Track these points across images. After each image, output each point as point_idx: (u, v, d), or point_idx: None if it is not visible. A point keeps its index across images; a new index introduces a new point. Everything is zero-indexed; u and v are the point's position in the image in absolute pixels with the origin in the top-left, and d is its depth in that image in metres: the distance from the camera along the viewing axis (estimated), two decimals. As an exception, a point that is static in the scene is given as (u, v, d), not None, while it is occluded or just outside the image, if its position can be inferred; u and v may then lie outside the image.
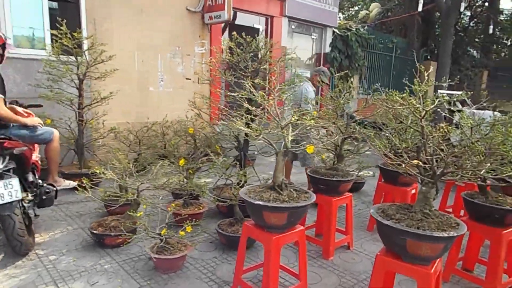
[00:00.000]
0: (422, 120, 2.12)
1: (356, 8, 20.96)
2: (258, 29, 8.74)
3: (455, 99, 6.14)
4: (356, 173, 3.99)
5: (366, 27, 12.78)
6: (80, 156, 4.91)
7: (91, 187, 3.08)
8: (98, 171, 3.07)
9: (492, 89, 17.12)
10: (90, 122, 5.22)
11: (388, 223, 1.97)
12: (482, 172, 2.00)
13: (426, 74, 2.28)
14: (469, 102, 6.25)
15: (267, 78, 4.07)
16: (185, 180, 3.68)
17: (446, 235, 1.87)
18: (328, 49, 10.30)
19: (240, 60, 3.82)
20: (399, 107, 2.22)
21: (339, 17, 17.37)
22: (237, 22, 8.35)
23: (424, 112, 2.09)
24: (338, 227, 3.47)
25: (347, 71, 10.05)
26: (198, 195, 3.93)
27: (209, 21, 7.20)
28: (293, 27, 9.41)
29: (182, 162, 3.55)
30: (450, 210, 4.50)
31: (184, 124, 5.30)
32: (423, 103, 2.13)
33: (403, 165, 2.16)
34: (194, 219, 3.43)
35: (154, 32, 6.66)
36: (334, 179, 3.06)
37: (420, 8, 11.10)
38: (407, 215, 2.08)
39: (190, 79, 7.09)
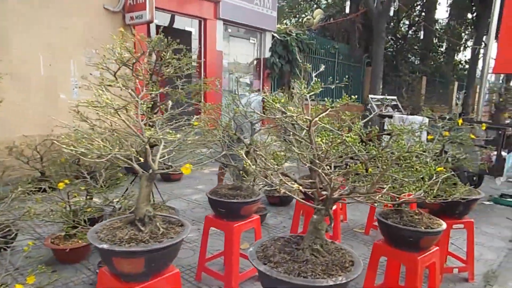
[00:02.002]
0: (311, 129, 1.71)
1: (304, 15, 21.11)
2: (190, 32, 8.23)
3: (385, 104, 6.00)
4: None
5: (308, 33, 12.72)
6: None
7: None
8: None
9: (430, 94, 17.91)
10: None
11: (263, 269, 1.52)
12: (377, 198, 1.62)
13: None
14: (400, 107, 6.15)
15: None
16: (68, 207, 3.05)
17: (332, 283, 1.45)
18: (268, 54, 10.00)
19: (135, 61, 3.29)
20: (280, 116, 1.80)
21: (287, 24, 17.34)
22: (166, 24, 7.78)
23: (309, 122, 1.68)
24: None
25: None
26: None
27: (131, 21, 6.57)
28: (229, 30, 9.00)
29: (61, 185, 2.92)
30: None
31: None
32: (310, 111, 1.73)
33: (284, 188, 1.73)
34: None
35: (65, 32, 5.91)
36: (234, 200, 2.60)
37: (347, 10, 11.24)
38: (291, 254, 1.64)
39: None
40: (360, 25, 14.03)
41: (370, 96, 5.92)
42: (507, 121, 9.89)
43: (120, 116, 2.23)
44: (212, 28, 8.32)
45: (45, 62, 5.74)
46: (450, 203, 2.88)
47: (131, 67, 3.32)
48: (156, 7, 6.59)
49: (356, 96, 9.53)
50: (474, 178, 5.21)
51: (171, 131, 1.87)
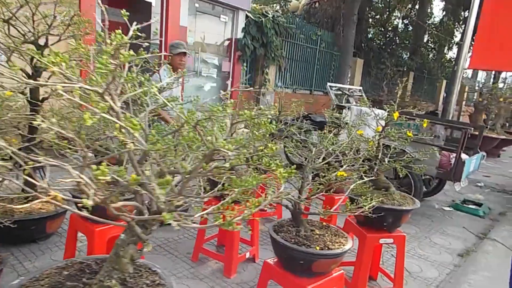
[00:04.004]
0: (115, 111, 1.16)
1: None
2: (150, 4, 7.52)
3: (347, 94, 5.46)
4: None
5: (292, 17, 12.08)
6: None
7: None
8: None
9: (416, 91, 17.48)
10: None
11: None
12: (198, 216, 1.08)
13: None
14: (365, 99, 5.59)
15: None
16: None
17: None
18: (240, 35, 9.34)
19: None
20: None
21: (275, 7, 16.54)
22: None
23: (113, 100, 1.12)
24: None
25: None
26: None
27: (75, -16, 5.87)
28: (197, 5, 8.31)
29: None
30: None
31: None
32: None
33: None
34: None
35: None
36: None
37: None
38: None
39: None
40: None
41: (328, 84, 5.36)
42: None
43: None
44: (176, 1, 7.63)
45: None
46: (376, 214, 2.41)
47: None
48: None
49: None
50: (431, 182, 4.75)
51: None
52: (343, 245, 1.87)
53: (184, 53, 3.68)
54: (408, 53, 18.86)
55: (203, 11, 8.57)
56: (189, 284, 2.64)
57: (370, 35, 18.11)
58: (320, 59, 12.72)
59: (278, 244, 1.84)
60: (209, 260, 2.99)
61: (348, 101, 5.55)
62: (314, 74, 12.61)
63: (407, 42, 19.09)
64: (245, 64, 9.66)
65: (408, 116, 2.92)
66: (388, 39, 18.51)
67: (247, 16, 9.41)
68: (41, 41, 2.94)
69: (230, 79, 9.50)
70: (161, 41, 7.71)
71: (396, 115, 2.42)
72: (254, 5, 10.08)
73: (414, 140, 3.04)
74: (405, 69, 17.20)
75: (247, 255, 2.97)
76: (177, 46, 3.64)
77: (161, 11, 7.63)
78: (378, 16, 19.37)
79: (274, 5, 18.90)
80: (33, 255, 2.79)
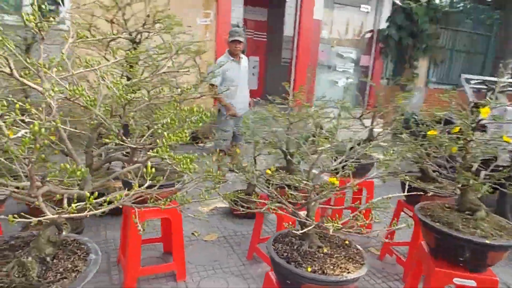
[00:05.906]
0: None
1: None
2: (284, -1, 7.62)
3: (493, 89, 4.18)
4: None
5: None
6: None
7: None
8: None
9: None
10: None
11: None
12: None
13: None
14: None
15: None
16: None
17: None
18: (384, 25, 8.48)
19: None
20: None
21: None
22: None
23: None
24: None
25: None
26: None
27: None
28: (334, -4, 7.97)
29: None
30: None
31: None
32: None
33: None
34: None
35: None
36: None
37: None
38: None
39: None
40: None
41: (463, 76, 4.12)
42: None
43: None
44: (311, -6, 7.51)
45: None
46: (448, 244, 1.86)
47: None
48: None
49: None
50: None
51: None
52: (348, 272, 1.44)
53: (238, 41, 3.91)
54: None
55: (341, 2, 8.14)
56: (230, 280, 2.56)
57: None
58: (492, 49, 10.35)
59: (269, 256, 1.56)
60: (263, 262, 2.83)
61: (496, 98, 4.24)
62: (486, 67, 10.36)
63: None
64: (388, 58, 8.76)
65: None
66: None
67: (393, 3, 8.46)
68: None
69: (370, 74, 8.77)
70: (293, 36, 7.74)
71: (485, 111, 1.72)
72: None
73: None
74: None
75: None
76: (232, 34, 3.96)
77: (295, 5, 7.64)
78: None
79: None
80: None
